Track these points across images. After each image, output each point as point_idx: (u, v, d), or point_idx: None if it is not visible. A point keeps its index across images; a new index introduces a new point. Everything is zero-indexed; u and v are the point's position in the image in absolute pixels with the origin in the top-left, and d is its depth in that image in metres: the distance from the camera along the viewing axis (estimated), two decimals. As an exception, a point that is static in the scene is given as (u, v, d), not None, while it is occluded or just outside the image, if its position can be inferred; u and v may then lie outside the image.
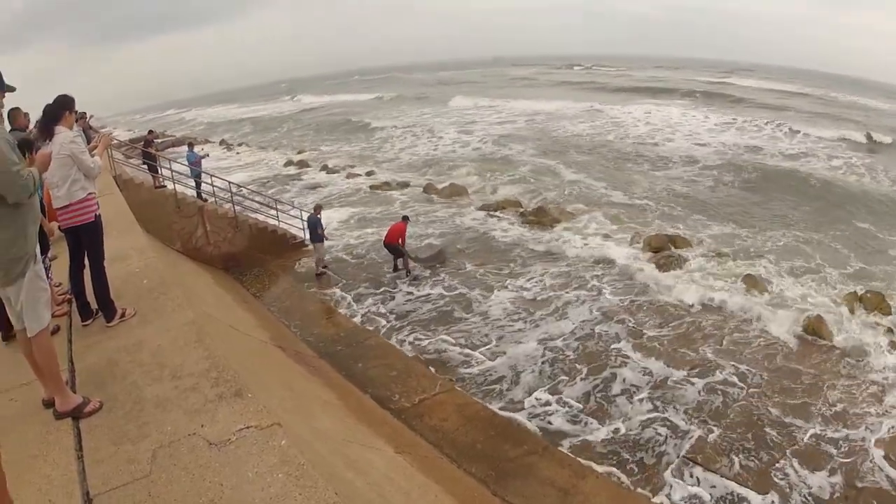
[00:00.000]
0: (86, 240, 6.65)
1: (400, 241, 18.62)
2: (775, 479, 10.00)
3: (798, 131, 46.86)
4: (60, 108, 6.37)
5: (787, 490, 9.79)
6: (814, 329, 14.88)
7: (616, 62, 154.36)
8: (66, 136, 6.32)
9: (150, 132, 30.24)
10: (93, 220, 6.63)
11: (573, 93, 78.60)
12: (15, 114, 8.36)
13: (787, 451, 10.66)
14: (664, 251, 20.01)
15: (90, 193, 6.61)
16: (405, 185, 32.06)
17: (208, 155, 37.00)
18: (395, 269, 19.06)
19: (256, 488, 4.10)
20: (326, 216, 20.77)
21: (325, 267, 19.83)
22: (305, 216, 21.12)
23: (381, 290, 18.05)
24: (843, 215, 25.73)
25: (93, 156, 6.69)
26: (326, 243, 20.19)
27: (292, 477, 4.19)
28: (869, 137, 45.23)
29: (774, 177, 32.85)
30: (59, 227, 7.15)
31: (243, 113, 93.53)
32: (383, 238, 19.18)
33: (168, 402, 5.16)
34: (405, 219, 19.44)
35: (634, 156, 38.71)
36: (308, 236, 20.32)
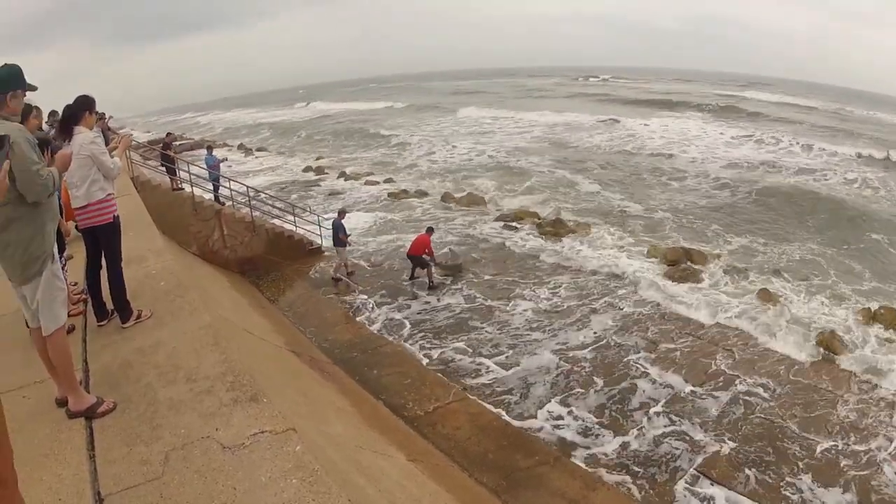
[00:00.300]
0: (103, 240, 6.65)
1: (426, 252, 18.50)
2: (787, 494, 9.94)
3: (813, 146, 46.67)
4: (81, 109, 6.38)
5: (799, 505, 9.72)
6: (828, 344, 14.79)
7: (632, 74, 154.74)
8: (86, 137, 6.33)
9: (169, 135, 30.36)
10: (111, 220, 6.62)
11: (589, 105, 78.61)
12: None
13: (800, 465, 10.58)
14: (680, 264, 19.94)
15: (109, 194, 6.61)
16: (424, 193, 32.15)
17: (226, 159, 37.21)
18: (412, 277, 18.97)
19: (270, 493, 4.06)
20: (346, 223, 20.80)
21: (349, 273, 19.85)
22: (323, 221, 21.20)
23: (398, 297, 18.05)
24: (857, 231, 25.47)
25: (112, 157, 6.70)
26: (349, 248, 20.23)
27: (306, 482, 4.16)
28: (888, 157, 44.67)
29: (790, 191, 32.64)
30: (76, 228, 7.16)
31: (262, 118, 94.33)
32: (408, 249, 19.06)
33: (182, 404, 5.14)
34: (430, 230, 19.36)
35: (651, 168, 38.56)
36: (331, 240, 20.33)
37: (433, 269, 18.84)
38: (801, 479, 10.27)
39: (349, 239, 20.05)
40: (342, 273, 19.64)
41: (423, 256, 18.47)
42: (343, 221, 19.70)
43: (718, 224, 26.25)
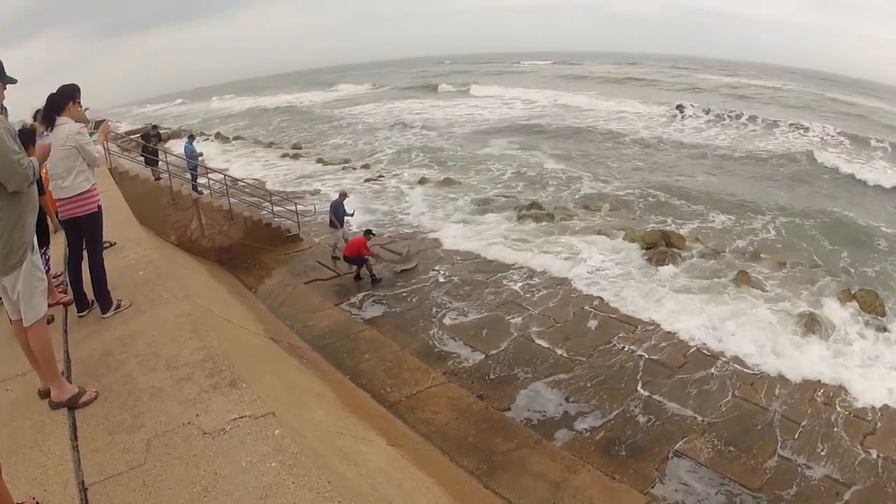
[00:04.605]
0: (87, 230, 6.67)
1: (365, 251, 18.07)
2: (766, 474, 10.08)
3: (783, 125, 47.80)
4: (64, 98, 6.33)
5: (778, 484, 9.86)
6: (807, 326, 14.93)
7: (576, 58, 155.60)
8: (71, 128, 6.30)
9: (154, 127, 30.12)
10: (95, 210, 6.66)
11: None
12: None
13: (779, 445, 10.73)
14: (658, 247, 20.04)
15: (93, 184, 6.64)
16: (398, 176, 32.28)
17: (202, 154, 37.06)
18: (357, 276, 18.50)
19: (250, 477, 4.15)
20: (324, 207, 20.73)
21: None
22: (299, 209, 21.24)
23: (375, 283, 17.99)
24: (837, 211, 25.74)
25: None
26: (344, 230, 20.37)
27: (286, 465, 4.25)
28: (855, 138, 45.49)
29: (763, 170, 33.31)
30: (57, 219, 7.18)
31: (244, 105, 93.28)
32: (343, 252, 18.81)
33: (163, 392, 5.21)
34: (367, 233, 18.87)
35: (619, 150, 39.17)
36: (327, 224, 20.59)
37: (373, 263, 18.43)
38: (779, 458, 10.43)
39: (350, 220, 20.54)
40: (338, 254, 19.67)
41: (359, 256, 18.10)
42: (342, 202, 20.02)
43: (695, 205, 26.41)
